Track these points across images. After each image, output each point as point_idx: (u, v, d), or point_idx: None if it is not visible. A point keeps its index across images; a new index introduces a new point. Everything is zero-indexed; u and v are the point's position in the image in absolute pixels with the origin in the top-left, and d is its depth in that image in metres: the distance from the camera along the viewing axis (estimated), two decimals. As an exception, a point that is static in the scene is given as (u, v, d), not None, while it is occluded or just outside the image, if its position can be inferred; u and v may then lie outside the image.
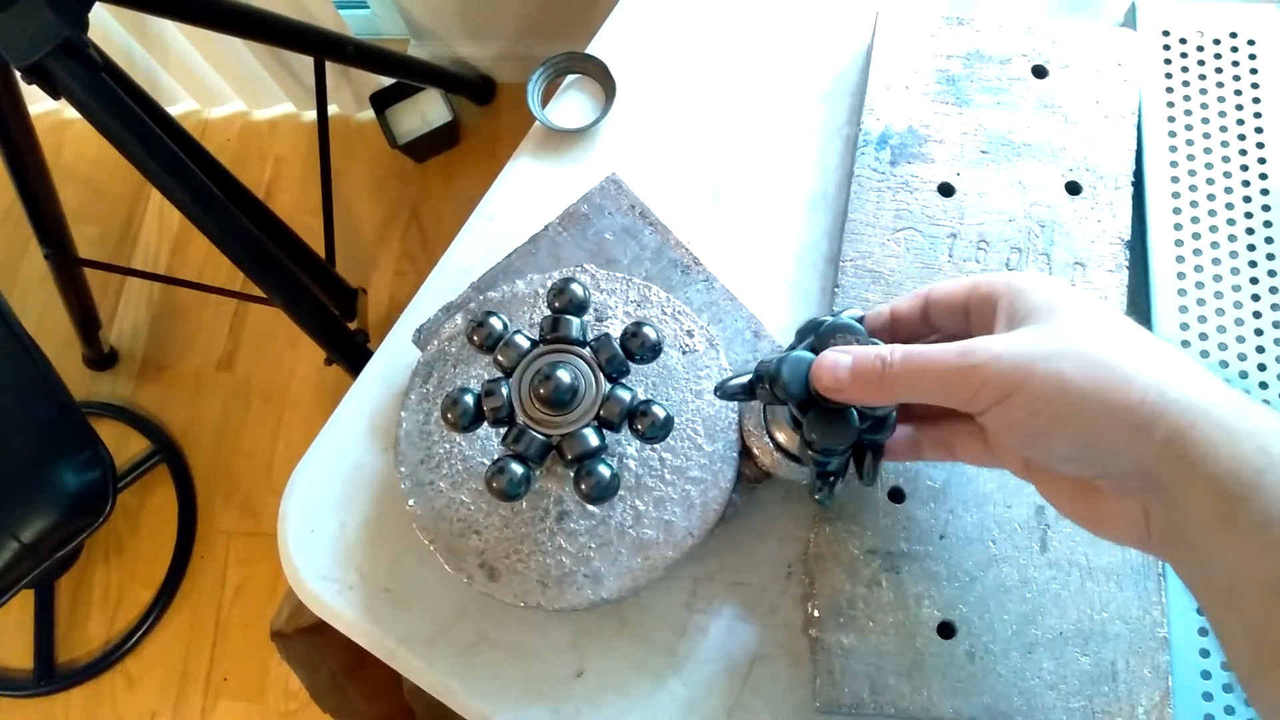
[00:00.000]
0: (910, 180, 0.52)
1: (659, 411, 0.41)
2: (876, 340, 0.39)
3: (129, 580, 1.36)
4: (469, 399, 0.41)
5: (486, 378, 0.48)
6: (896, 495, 0.46)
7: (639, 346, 0.42)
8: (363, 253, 1.47)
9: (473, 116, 1.52)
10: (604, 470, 0.41)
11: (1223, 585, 0.30)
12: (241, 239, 0.86)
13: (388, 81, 1.45)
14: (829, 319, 0.41)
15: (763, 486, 0.49)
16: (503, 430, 0.42)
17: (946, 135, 0.52)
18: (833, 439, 0.39)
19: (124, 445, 1.40)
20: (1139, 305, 0.49)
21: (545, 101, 0.59)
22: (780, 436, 0.46)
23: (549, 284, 0.49)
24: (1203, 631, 0.44)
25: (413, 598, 0.49)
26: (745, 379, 0.41)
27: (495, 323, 0.42)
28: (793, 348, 0.41)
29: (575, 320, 0.43)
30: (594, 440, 0.41)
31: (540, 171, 0.57)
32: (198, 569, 1.36)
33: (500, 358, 0.42)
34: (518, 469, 0.41)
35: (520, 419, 0.41)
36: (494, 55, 1.47)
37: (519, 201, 0.56)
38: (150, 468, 1.38)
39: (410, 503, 0.47)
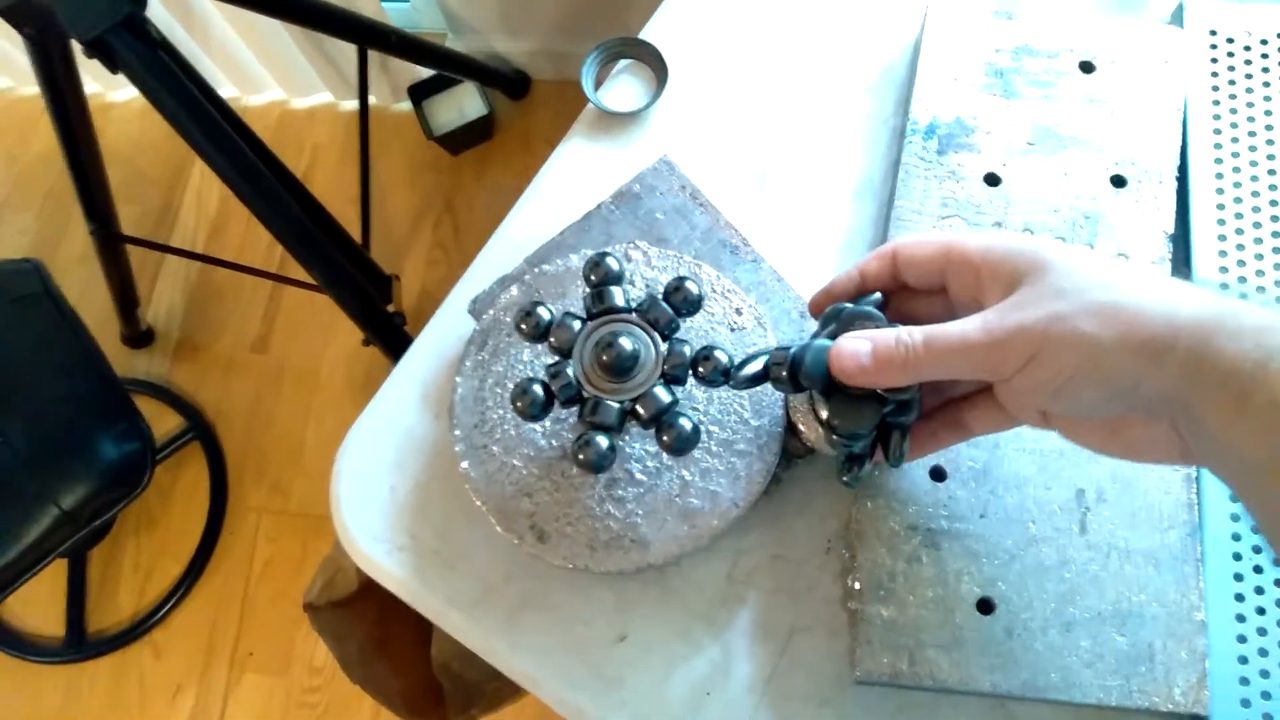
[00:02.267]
0: (957, 169, 0.53)
1: (721, 355, 0.42)
2: (895, 324, 0.40)
3: (159, 554, 1.39)
4: (537, 388, 0.42)
5: (540, 348, 0.50)
6: (938, 474, 0.47)
7: (682, 300, 0.43)
8: (396, 241, 1.49)
9: (507, 111, 1.54)
10: (685, 422, 0.42)
11: (1248, 469, 0.32)
12: (288, 219, 0.88)
13: (425, 74, 1.47)
14: (849, 306, 0.42)
15: (804, 462, 0.50)
16: (576, 408, 0.43)
17: (994, 126, 0.53)
18: (854, 423, 0.39)
19: (158, 422, 1.42)
20: (1181, 297, 0.50)
21: (598, 85, 0.60)
22: (825, 414, 0.47)
23: (585, 260, 0.50)
24: (1240, 618, 0.45)
25: (461, 560, 0.51)
26: (758, 367, 0.42)
27: (542, 311, 0.43)
28: (816, 335, 0.42)
29: (617, 289, 0.44)
30: (666, 396, 0.42)
31: (591, 153, 0.58)
32: (226, 545, 1.38)
33: (554, 340, 0.43)
34: (602, 441, 0.42)
35: (589, 393, 0.43)
36: (530, 51, 1.49)
37: (570, 181, 0.58)
38: (183, 444, 1.41)
39: (464, 465, 0.48)
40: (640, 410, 0.42)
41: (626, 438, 0.47)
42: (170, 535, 1.40)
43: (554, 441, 0.49)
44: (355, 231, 1.23)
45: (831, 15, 0.60)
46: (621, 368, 0.42)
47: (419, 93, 1.46)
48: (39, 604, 1.37)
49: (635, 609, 0.49)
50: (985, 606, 0.45)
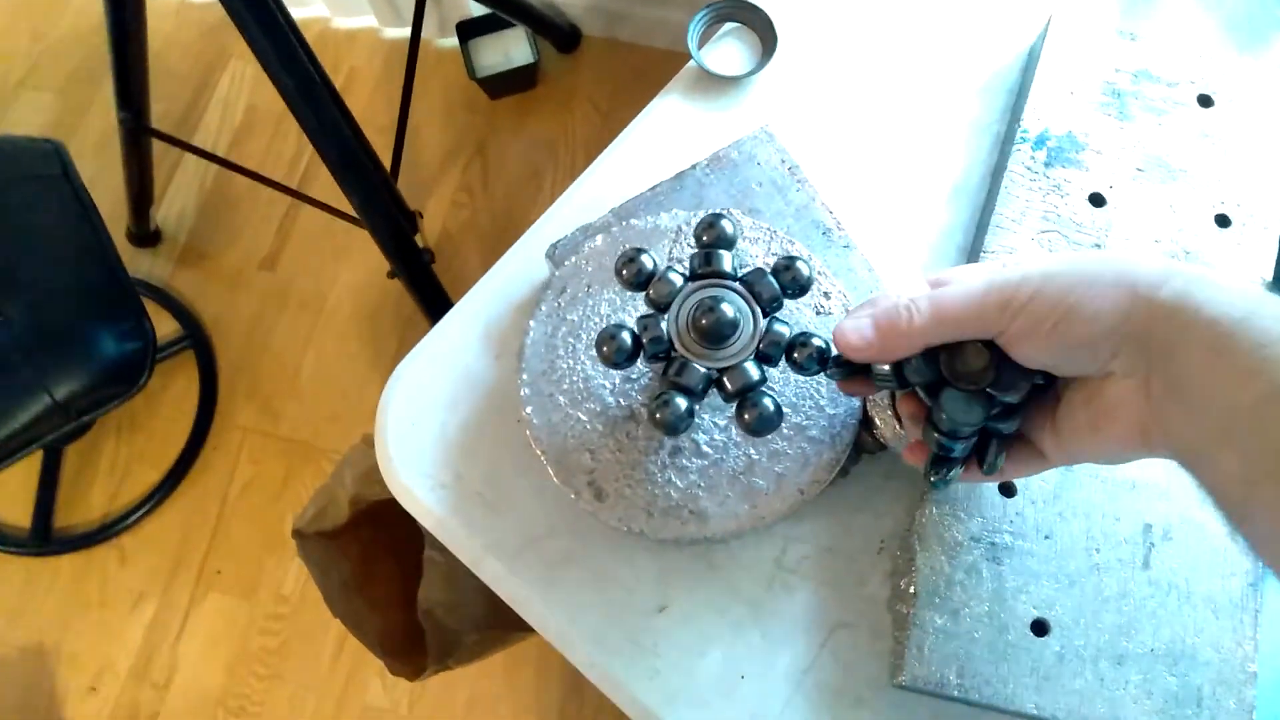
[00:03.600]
0: (1062, 184, 0.51)
1: (818, 342, 0.40)
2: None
3: (137, 458, 1.36)
4: (625, 335, 0.41)
5: (620, 301, 0.48)
6: (1007, 489, 0.47)
7: (790, 280, 0.42)
8: (422, 178, 1.46)
9: (553, 63, 1.51)
10: (768, 402, 0.40)
11: (1219, 424, 0.32)
12: (335, 133, 0.85)
13: (477, 12, 1.43)
14: None
15: (870, 459, 0.49)
16: (659, 365, 0.42)
17: (1104, 146, 0.52)
18: (962, 418, 0.38)
19: (155, 325, 1.39)
20: (1269, 347, 0.49)
21: (702, 44, 0.58)
22: (932, 411, 0.46)
23: (696, 219, 0.49)
24: (1288, 672, 0.45)
25: (505, 506, 0.49)
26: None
27: (646, 260, 0.41)
28: None
29: (726, 254, 0.43)
30: (755, 374, 0.41)
31: (687, 112, 0.57)
32: (208, 460, 1.35)
33: (653, 293, 0.41)
34: (682, 402, 0.40)
35: (678, 352, 0.41)
36: (584, 5, 1.46)
37: (662, 137, 0.56)
38: (177, 351, 1.38)
39: (527, 410, 0.47)
40: (727, 382, 0.41)
41: (698, 407, 0.46)
42: (152, 442, 1.36)
43: (622, 400, 0.47)
44: (384, 162, 1.20)
45: (950, 10, 0.58)
46: (719, 334, 0.41)
47: (467, 31, 1.43)
48: (8, 493, 1.34)
49: (678, 581, 0.48)
50: (1039, 628, 0.44)
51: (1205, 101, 0.53)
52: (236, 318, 1.42)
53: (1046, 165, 0.52)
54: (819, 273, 0.49)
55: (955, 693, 0.44)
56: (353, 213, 1.18)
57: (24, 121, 1.52)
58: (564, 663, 1.35)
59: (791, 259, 0.42)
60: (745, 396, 0.41)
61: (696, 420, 0.47)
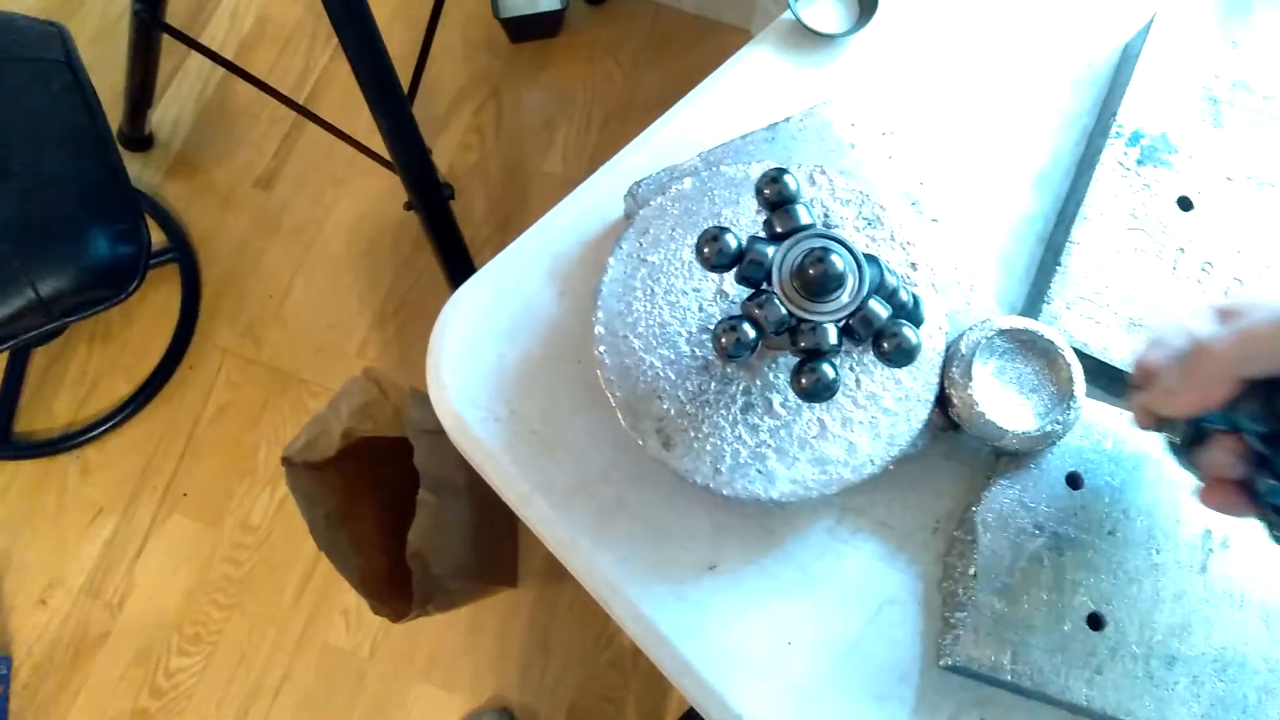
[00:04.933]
0: (1152, 184, 0.51)
1: (911, 336, 0.39)
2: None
3: (109, 369, 1.31)
4: (731, 240, 0.39)
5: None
6: (1074, 481, 0.46)
7: (890, 297, 0.41)
8: (433, 115, 1.42)
9: (580, 13, 1.47)
10: (828, 370, 0.39)
11: None
12: (374, 52, 0.82)
13: (508, -52, 1.39)
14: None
15: (937, 438, 0.48)
16: (746, 291, 0.40)
17: (1196, 151, 0.52)
18: None
19: (139, 233, 1.33)
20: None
21: (796, -2, 0.56)
22: (983, 391, 0.45)
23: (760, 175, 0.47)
24: (1328, 688, 0.45)
25: (559, 447, 0.48)
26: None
27: (790, 181, 0.40)
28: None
29: (800, 207, 0.41)
30: (833, 339, 0.40)
31: (777, 65, 0.55)
32: (184, 379, 1.31)
33: (776, 221, 0.40)
34: (750, 332, 0.39)
35: (770, 288, 0.40)
36: (617, -41, 1.43)
37: (750, 87, 0.54)
38: (161, 263, 1.32)
39: (600, 349, 0.45)
40: (801, 336, 0.40)
41: (761, 345, 0.44)
42: (125, 354, 1.31)
43: (697, 350, 0.46)
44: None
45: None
46: (821, 286, 0.39)
47: (496, -32, 1.38)
48: (-32, 389, 1.28)
49: (731, 541, 0.47)
50: (1095, 622, 0.44)
51: (1298, 118, 0.52)
52: (225, 236, 1.37)
53: (1139, 163, 0.51)
54: (908, 243, 0.48)
55: (1009, 677, 0.43)
56: (358, 139, 1.15)
57: (19, 3, 1.44)
58: (530, 625, 1.34)
59: (910, 296, 0.41)
60: (811, 358, 0.39)
61: (773, 379, 0.45)
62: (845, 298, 0.40)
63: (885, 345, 0.39)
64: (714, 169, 0.48)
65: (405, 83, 1.20)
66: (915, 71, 0.55)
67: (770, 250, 0.40)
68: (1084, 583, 0.45)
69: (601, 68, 1.45)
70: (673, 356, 0.46)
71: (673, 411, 0.45)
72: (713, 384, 0.45)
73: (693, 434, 0.45)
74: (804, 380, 0.39)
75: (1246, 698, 0.43)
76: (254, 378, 1.31)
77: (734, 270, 0.40)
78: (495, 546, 1.16)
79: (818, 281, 0.39)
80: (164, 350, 1.30)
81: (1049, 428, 0.45)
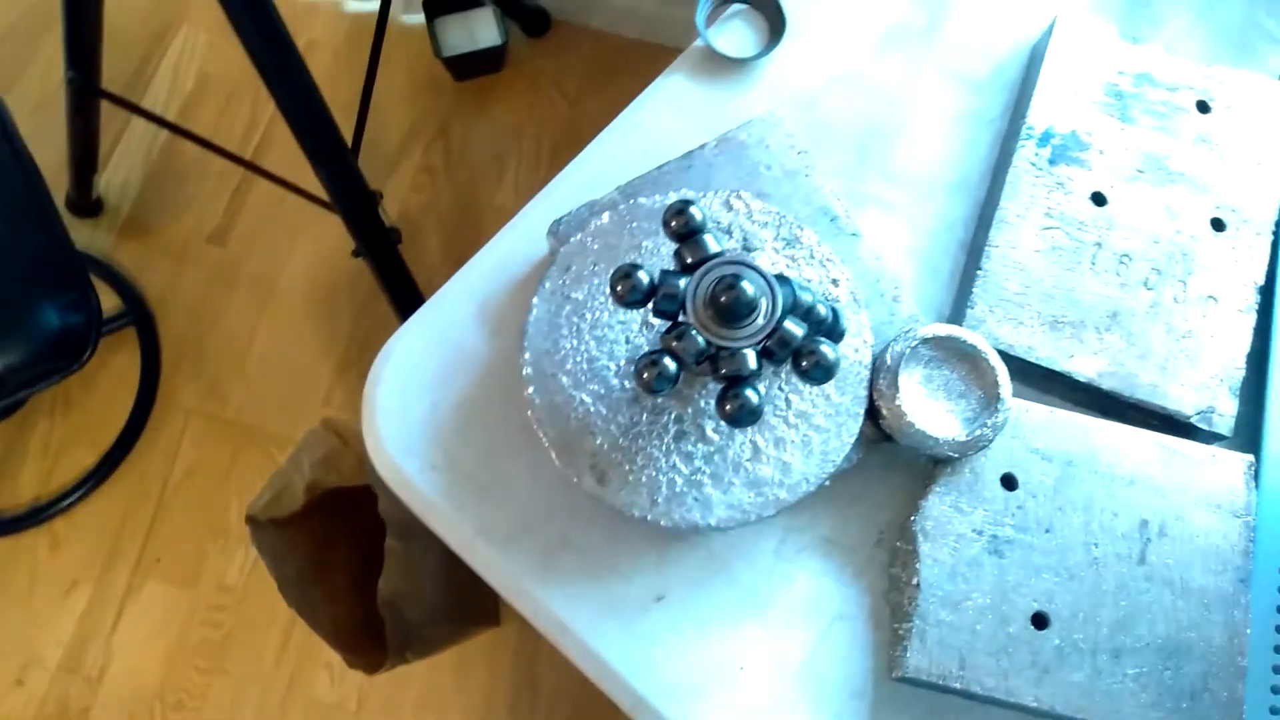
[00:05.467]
0: (1066, 182, 0.52)
1: (828, 353, 0.40)
2: None
3: (73, 439, 1.29)
4: (643, 276, 0.39)
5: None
6: (1009, 482, 0.47)
7: (812, 320, 0.41)
8: (383, 158, 1.42)
9: (521, 47, 1.48)
10: (751, 395, 0.40)
11: None
12: (308, 103, 0.82)
13: (445, -11, 1.40)
14: None
15: (870, 450, 0.48)
16: (652, 327, 0.41)
17: (1107, 146, 0.52)
18: None
19: (94, 299, 1.32)
20: (1259, 349, 0.50)
21: (709, 24, 0.57)
22: (911, 402, 0.46)
23: (706, 198, 0.48)
24: (1276, 669, 0.45)
25: (499, 490, 0.48)
26: None
27: (695, 213, 0.40)
28: None
29: (708, 236, 0.41)
30: (752, 363, 0.40)
31: (693, 92, 0.55)
32: (149, 442, 1.29)
33: (686, 252, 0.40)
34: (671, 365, 0.39)
35: (686, 319, 0.40)
36: (555, -10, 1.44)
37: (666, 116, 0.55)
38: (118, 328, 1.31)
39: (529, 390, 0.45)
40: (721, 364, 0.40)
41: (683, 377, 0.44)
42: (88, 422, 1.30)
43: (626, 383, 0.46)
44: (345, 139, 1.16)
45: (954, 2, 0.58)
46: (734, 312, 0.40)
47: (434, 8, 1.39)
48: (-70, 470, 1.26)
49: (677, 570, 0.47)
50: (1040, 621, 0.45)
51: (1203, 107, 0.53)
52: (182, 294, 1.36)
53: (1051, 162, 0.52)
54: (828, 259, 0.48)
55: (957, 685, 0.43)
56: (308, 189, 1.15)
57: (-44, 79, 1.44)
58: (516, 662, 1.34)
59: (828, 311, 0.41)
60: (733, 384, 0.40)
61: (704, 405, 0.45)
62: (760, 321, 0.40)
63: (804, 363, 0.40)
64: (632, 201, 0.49)
65: (350, 129, 1.20)
66: (827, 88, 0.56)
67: (682, 282, 0.40)
68: (1026, 583, 0.45)
69: (546, 98, 1.46)
70: (603, 391, 0.46)
71: (606, 446, 0.45)
72: (645, 415, 0.45)
73: (628, 467, 0.45)
74: (728, 407, 0.40)
75: (1195, 684, 0.44)
76: (220, 435, 1.30)
77: (649, 305, 0.40)
78: (472, 588, 1.15)
79: (730, 308, 0.39)
80: (127, 415, 1.29)
81: (978, 432, 0.46)
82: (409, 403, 0.49)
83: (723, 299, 0.39)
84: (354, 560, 1.02)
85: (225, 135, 1.43)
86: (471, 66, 1.43)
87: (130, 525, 1.26)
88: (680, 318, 0.40)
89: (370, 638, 0.94)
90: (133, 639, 1.22)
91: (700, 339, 0.40)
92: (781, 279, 0.41)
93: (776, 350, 0.40)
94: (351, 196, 0.92)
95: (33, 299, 0.97)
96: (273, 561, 0.91)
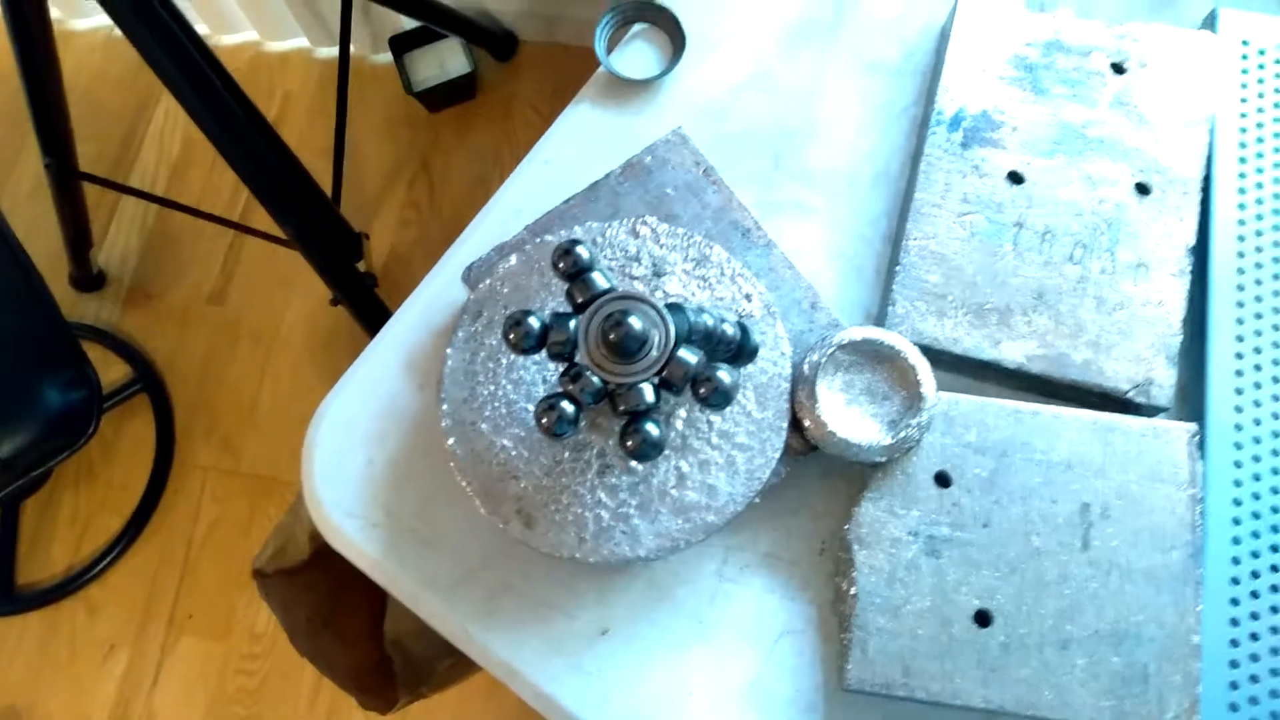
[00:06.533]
0: (980, 164, 0.51)
1: (725, 378, 0.39)
2: None
3: (98, 508, 1.33)
4: (534, 322, 0.40)
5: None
6: (943, 479, 0.46)
7: (705, 335, 0.41)
8: (367, 198, 1.44)
9: (491, 71, 1.49)
10: (651, 429, 0.40)
11: None
12: (259, 164, 0.84)
13: (409, 25, 1.41)
14: None
15: (804, 460, 0.48)
16: (561, 366, 0.41)
17: (1020, 123, 0.51)
18: None
19: (105, 370, 1.36)
20: (1196, 313, 0.49)
21: (610, 49, 0.57)
22: (831, 411, 0.45)
23: (615, 227, 0.48)
24: (1233, 642, 0.44)
25: (439, 541, 0.48)
26: None
27: (582, 252, 0.40)
28: None
29: (596, 274, 0.41)
30: (649, 397, 0.40)
31: (600, 119, 0.55)
32: (170, 503, 1.33)
33: (575, 292, 0.40)
34: (569, 408, 0.40)
35: (581, 359, 0.40)
36: (519, 11, 1.44)
37: (576, 147, 0.55)
38: (130, 395, 1.35)
39: (450, 442, 0.46)
40: (618, 400, 0.40)
41: (584, 418, 0.44)
42: (111, 489, 1.34)
43: (546, 422, 0.46)
44: (325, 186, 1.18)
45: (856, -5, 0.57)
46: (625, 349, 0.40)
47: (400, 45, 1.40)
48: (-33, 553, 1.31)
49: (619, 602, 0.47)
50: (983, 619, 0.44)
51: (1118, 69, 0.52)
52: (188, 356, 1.39)
53: (963, 146, 0.51)
54: (739, 274, 0.48)
55: (901, 692, 0.43)
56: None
57: (-48, 173, 1.49)
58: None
59: (735, 329, 0.41)
60: (632, 419, 0.40)
61: (623, 437, 0.45)
62: (655, 352, 0.40)
63: (702, 390, 0.40)
64: (539, 240, 0.49)
65: (328, 176, 1.22)
66: (735, 96, 0.55)
67: (573, 323, 0.40)
68: (966, 581, 0.44)
69: (522, 118, 1.46)
70: (523, 434, 0.46)
71: (530, 489, 0.45)
72: (567, 453, 0.46)
73: (553, 507, 0.45)
74: (629, 443, 0.40)
75: (1147, 667, 0.43)
76: (238, 489, 1.33)
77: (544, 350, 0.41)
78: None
79: (621, 344, 0.39)
80: (147, 479, 1.33)
81: (903, 433, 0.45)
82: (345, 462, 0.50)
83: (611, 335, 0.39)
84: (363, 603, 1.03)
85: (214, 195, 1.46)
86: (444, 97, 1.44)
87: (160, 584, 1.30)
88: (576, 358, 0.41)
89: (384, 677, 0.96)
90: (173, 695, 1.25)
91: (595, 378, 0.40)
92: (674, 307, 0.41)
93: (674, 380, 0.40)
94: (320, 248, 0.94)
95: (33, 381, 1.00)
96: (282, 613, 0.93)
